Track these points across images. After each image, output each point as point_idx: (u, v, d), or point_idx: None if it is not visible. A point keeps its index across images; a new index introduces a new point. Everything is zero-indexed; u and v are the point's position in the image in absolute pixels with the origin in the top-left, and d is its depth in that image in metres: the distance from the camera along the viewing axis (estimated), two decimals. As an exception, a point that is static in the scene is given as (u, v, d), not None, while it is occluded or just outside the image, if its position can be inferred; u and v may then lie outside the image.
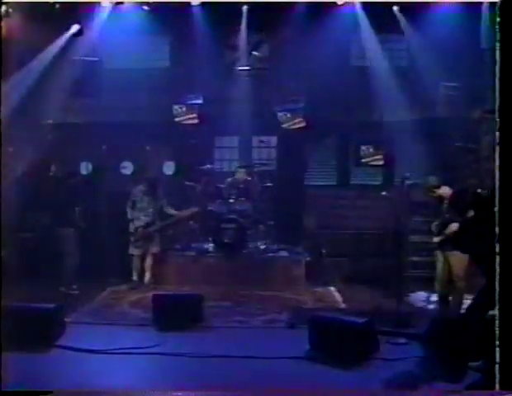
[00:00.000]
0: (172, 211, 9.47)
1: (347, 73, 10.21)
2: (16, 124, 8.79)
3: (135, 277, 9.34)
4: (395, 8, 9.73)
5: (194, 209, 9.63)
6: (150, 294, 7.69)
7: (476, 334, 5.48)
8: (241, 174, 10.16)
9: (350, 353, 5.75)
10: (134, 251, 9.32)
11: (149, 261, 9.35)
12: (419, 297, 8.42)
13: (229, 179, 10.20)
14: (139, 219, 9.28)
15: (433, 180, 7.33)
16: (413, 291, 8.55)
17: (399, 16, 9.78)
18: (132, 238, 9.29)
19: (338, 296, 8.78)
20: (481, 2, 8.81)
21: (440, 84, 10.05)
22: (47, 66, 9.85)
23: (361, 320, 6.03)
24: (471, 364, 5.85)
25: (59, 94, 10.22)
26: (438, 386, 5.26)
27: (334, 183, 11.19)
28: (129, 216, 9.33)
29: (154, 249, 9.35)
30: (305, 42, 10.11)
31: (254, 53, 10.58)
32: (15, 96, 9.00)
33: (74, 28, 9.88)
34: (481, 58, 8.80)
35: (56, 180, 9.77)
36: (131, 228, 9.30)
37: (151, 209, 9.32)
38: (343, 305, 8.28)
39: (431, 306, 7.93)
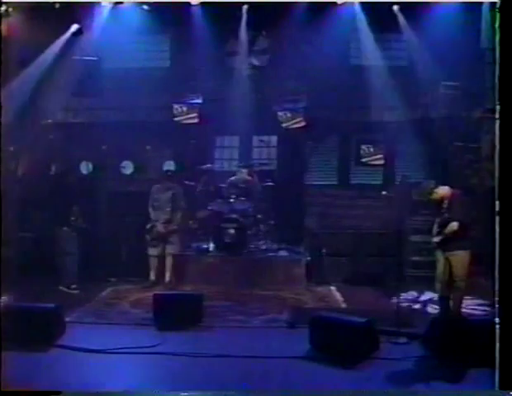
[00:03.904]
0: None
1: (347, 72, 10.19)
2: (16, 124, 8.82)
3: (152, 277, 9.32)
4: (395, 8, 9.72)
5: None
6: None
7: (476, 334, 5.50)
8: (242, 174, 10.15)
9: (350, 353, 5.76)
10: (151, 251, 9.29)
11: (168, 262, 9.32)
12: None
13: (230, 179, 10.19)
14: (157, 218, 9.24)
15: (430, 183, 7.31)
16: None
17: (399, 15, 9.77)
18: (149, 238, 9.26)
19: (338, 296, 8.78)
20: (481, 2, 8.81)
21: (440, 84, 10.05)
22: (47, 66, 9.85)
23: (361, 320, 6.03)
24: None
25: (59, 94, 10.22)
26: (438, 386, 5.26)
27: (335, 183, 11.18)
28: (151, 216, 9.30)
29: (171, 249, 9.33)
30: (306, 42, 10.11)
31: (255, 53, 10.57)
32: (15, 96, 8.99)
33: (74, 28, 9.89)
34: (481, 58, 8.80)
35: (56, 179, 9.77)
36: (148, 227, 9.27)
37: (169, 208, 9.27)
38: (343, 305, 8.28)
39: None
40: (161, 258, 9.33)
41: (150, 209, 9.30)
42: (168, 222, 9.23)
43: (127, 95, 10.33)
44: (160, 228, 9.18)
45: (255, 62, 10.70)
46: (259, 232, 10.00)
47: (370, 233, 9.79)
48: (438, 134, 10.00)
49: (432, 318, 6.31)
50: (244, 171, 10.19)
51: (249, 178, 10.15)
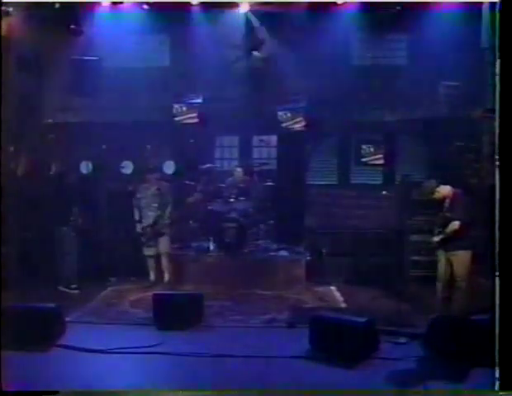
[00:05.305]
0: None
1: (347, 72, 10.19)
2: (16, 124, 8.82)
3: (152, 277, 9.31)
4: (395, 8, 9.71)
5: None
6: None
7: (476, 334, 5.50)
8: (238, 173, 10.14)
9: (350, 353, 5.76)
10: (146, 251, 9.28)
11: (164, 261, 9.31)
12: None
13: (230, 178, 10.19)
14: (146, 217, 9.22)
15: (432, 182, 7.32)
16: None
17: (399, 15, 9.76)
18: (143, 239, 9.25)
19: (338, 296, 8.77)
20: (481, 2, 8.81)
21: (440, 84, 10.04)
22: (47, 66, 9.85)
23: (361, 320, 6.03)
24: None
25: (59, 94, 10.21)
26: (438, 386, 5.26)
27: (335, 183, 11.18)
28: (136, 217, 9.29)
29: (164, 248, 9.31)
30: (306, 42, 10.10)
31: (255, 53, 10.55)
32: (15, 96, 8.99)
33: (74, 28, 9.88)
34: (481, 58, 8.80)
35: (56, 179, 9.77)
36: (139, 228, 9.25)
37: (156, 204, 9.24)
38: (343, 305, 8.28)
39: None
40: (158, 258, 9.33)
41: (135, 210, 9.27)
42: (157, 220, 9.22)
43: (127, 95, 10.32)
44: (150, 229, 9.18)
45: (257, 55, 10.64)
46: (259, 232, 9.99)
47: (370, 233, 9.78)
48: (438, 133, 9.99)
49: (432, 318, 6.30)
50: (240, 170, 10.17)
51: (249, 178, 10.15)
